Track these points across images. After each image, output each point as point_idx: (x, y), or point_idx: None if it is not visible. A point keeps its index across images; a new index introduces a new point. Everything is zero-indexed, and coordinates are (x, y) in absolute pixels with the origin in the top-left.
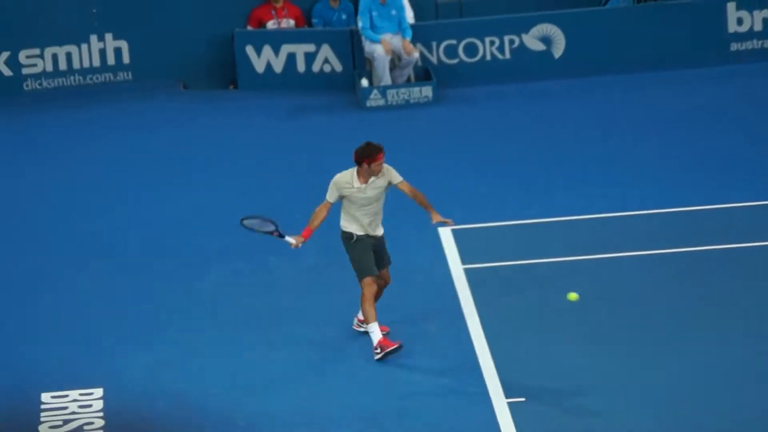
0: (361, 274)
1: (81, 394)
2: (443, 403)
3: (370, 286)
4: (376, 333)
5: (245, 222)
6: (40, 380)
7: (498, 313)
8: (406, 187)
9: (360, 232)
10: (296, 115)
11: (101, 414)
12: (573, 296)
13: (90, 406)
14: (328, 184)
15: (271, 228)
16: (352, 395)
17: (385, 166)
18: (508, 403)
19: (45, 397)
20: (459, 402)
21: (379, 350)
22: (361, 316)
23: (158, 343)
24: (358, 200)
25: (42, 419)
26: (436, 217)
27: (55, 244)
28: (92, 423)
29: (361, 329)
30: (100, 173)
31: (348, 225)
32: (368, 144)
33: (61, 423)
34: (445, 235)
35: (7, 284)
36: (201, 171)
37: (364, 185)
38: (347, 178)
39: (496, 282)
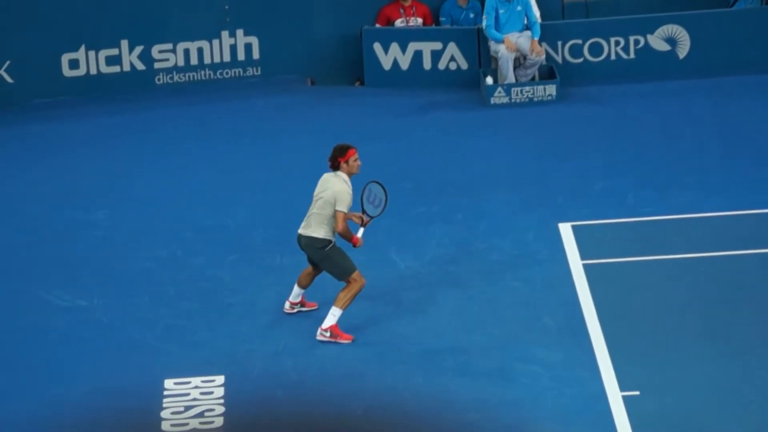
0: (348, 271)
1: (203, 381)
2: (558, 395)
3: (360, 279)
4: (336, 318)
5: (372, 187)
6: (164, 366)
7: (615, 308)
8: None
9: (333, 238)
10: (421, 111)
11: (222, 401)
12: None
13: (211, 393)
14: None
15: (377, 213)
16: (465, 386)
17: (340, 178)
18: (623, 397)
19: (168, 383)
20: (574, 394)
21: (328, 334)
22: (293, 299)
23: (280, 332)
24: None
25: (164, 405)
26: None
27: (180, 236)
28: (213, 410)
29: (294, 311)
30: (228, 168)
31: (327, 233)
32: (336, 145)
33: (182, 409)
34: (565, 230)
35: (133, 273)
36: (324, 167)
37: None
38: (348, 185)
39: (614, 278)
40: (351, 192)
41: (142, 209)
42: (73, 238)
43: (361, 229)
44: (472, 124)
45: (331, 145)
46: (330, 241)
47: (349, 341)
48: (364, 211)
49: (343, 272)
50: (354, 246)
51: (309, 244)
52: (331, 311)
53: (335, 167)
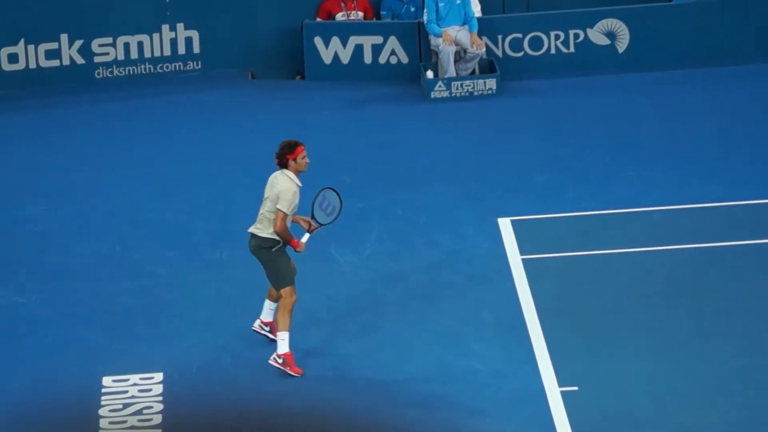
0: (285, 282)
1: (141, 379)
2: (497, 390)
3: (293, 295)
4: (286, 343)
5: (327, 194)
6: (103, 364)
7: (554, 303)
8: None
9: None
10: (361, 105)
11: (160, 398)
12: None
13: (150, 390)
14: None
15: (328, 221)
16: (404, 382)
17: (286, 177)
18: (561, 392)
19: (106, 380)
20: (513, 389)
21: (281, 361)
22: (265, 319)
23: (219, 329)
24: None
25: (102, 402)
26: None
27: (120, 230)
28: (151, 407)
29: (262, 333)
30: (168, 161)
31: (274, 233)
32: (284, 141)
33: (120, 406)
34: (504, 224)
35: (71, 268)
36: (266, 160)
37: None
38: (297, 183)
39: (553, 273)
40: (297, 190)
41: (80, 204)
42: (10, 233)
43: (307, 235)
44: (413, 118)
45: (272, 139)
46: (277, 242)
47: (299, 375)
48: (313, 217)
49: (280, 281)
50: (294, 250)
51: (257, 245)
52: (278, 337)
53: (283, 165)
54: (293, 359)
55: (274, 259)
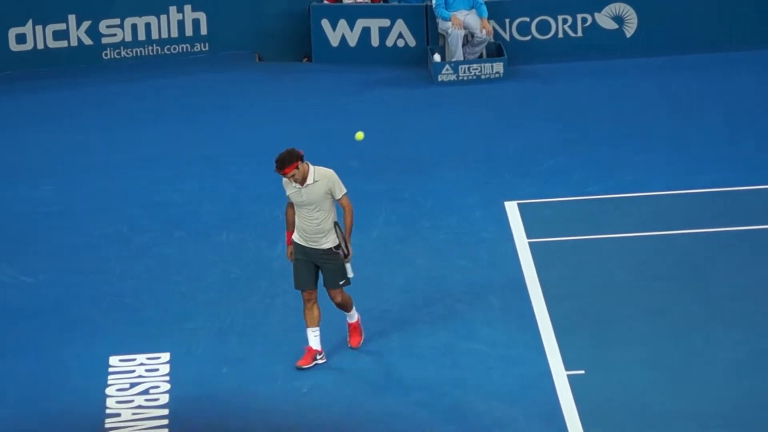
0: (294, 285)
1: (148, 358)
2: (504, 374)
3: (303, 299)
4: (309, 339)
5: None
6: (110, 343)
7: (561, 287)
8: (344, 203)
9: (298, 240)
10: (368, 88)
11: (167, 378)
12: (359, 135)
13: (157, 370)
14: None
15: None
16: (411, 365)
17: (330, 174)
18: (568, 376)
19: (113, 360)
20: (519, 373)
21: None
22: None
23: (225, 311)
24: (297, 202)
25: (109, 382)
26: (349, 248)
27: (128, 211)
28: (158, 387)
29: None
30: (175, 143)
31: (294, 230)
32: (283, 153)
33: (127, 386)
34: (511, 208)
35: (79, 250)
36: (273, 143)
37: (300, 187)
38: (289, 181)
39: (560, 256)
40: (286, 182)
41: (88, 185)
42: (19, 213)
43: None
44: (420, 102)
45: (279, 121)
46: (293, 240)
47: (298, 366)
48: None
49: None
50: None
51: None
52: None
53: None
54: (310, 355)
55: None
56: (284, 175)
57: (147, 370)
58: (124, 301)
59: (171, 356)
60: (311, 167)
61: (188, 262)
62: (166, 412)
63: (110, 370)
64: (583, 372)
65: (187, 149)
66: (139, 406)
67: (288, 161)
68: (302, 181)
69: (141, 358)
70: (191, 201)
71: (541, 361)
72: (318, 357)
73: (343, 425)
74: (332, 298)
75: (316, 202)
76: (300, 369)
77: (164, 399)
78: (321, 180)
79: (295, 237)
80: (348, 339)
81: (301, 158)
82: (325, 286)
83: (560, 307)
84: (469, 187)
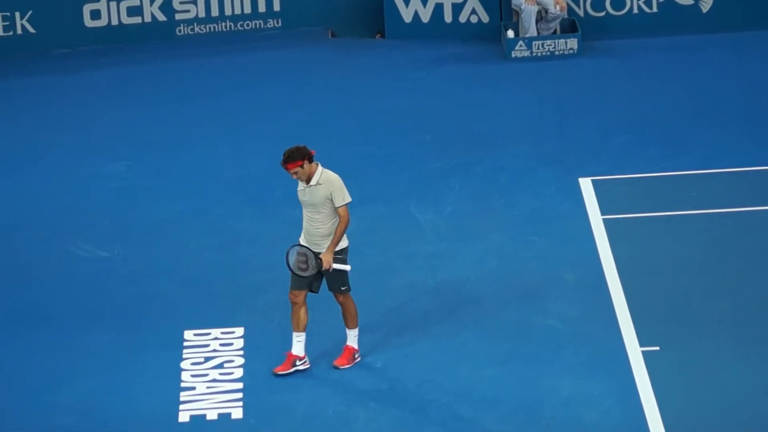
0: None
1: (222, 333)
2: (577, 350)
3: (290, 302)
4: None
5: (299, 249)
6: (184, 317)
7: (635, 263)
8: (341, 212)
9: (302, 241)
10: (441, 64)
11: (241, 352)
12: None
13: (231, 344)
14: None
15: (299, 270)
16: (483, 340)
17: (334, 179)
18: (643, 352)
19: (188, 334)
20: (593, 349)
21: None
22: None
23: None
24: (301, 201)
25: (184, 355)
26: (326, 256)
27: (201, 186)
28: (232, 361)
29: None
30: (248, 118)
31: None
32: (291, 148)
33: (202, 360)
34: (585, 185)
35: (153, 224)
36: (343, 120)
37: (305, 186)
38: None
39: (634, 233)
40: (298, 188)
41: (161, 160)
42: (95, 188)
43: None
44: (493, 78)
45: (351, 99)
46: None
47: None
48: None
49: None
50: None
51: None
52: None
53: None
54: (289, 361)
55: None
56: (286, 170)
57: (221, 344)
58: (198, 276)
59: (245, 331)
60: (320, 169)
61: (260, 238)
62: (240, 386)
63: (185, 344)
64: (657, 348)
65: (259, 124)
66: (214, 380)
67: (292, 158)
68: (308, 180)
69: (215, 332)
70: (263, 176)
71: (615, 338)
72: (298, 363)
73: (419, 397)
74: (340, 303)
75: (317, 204)
76: (277, 376)
77: (238, 373)
78: (324, 183)
79: (300, 238)
80: (338, 356)
81: (309, 158)
82: (329, 289)
83: (634, 284)
84: (542, 163)
